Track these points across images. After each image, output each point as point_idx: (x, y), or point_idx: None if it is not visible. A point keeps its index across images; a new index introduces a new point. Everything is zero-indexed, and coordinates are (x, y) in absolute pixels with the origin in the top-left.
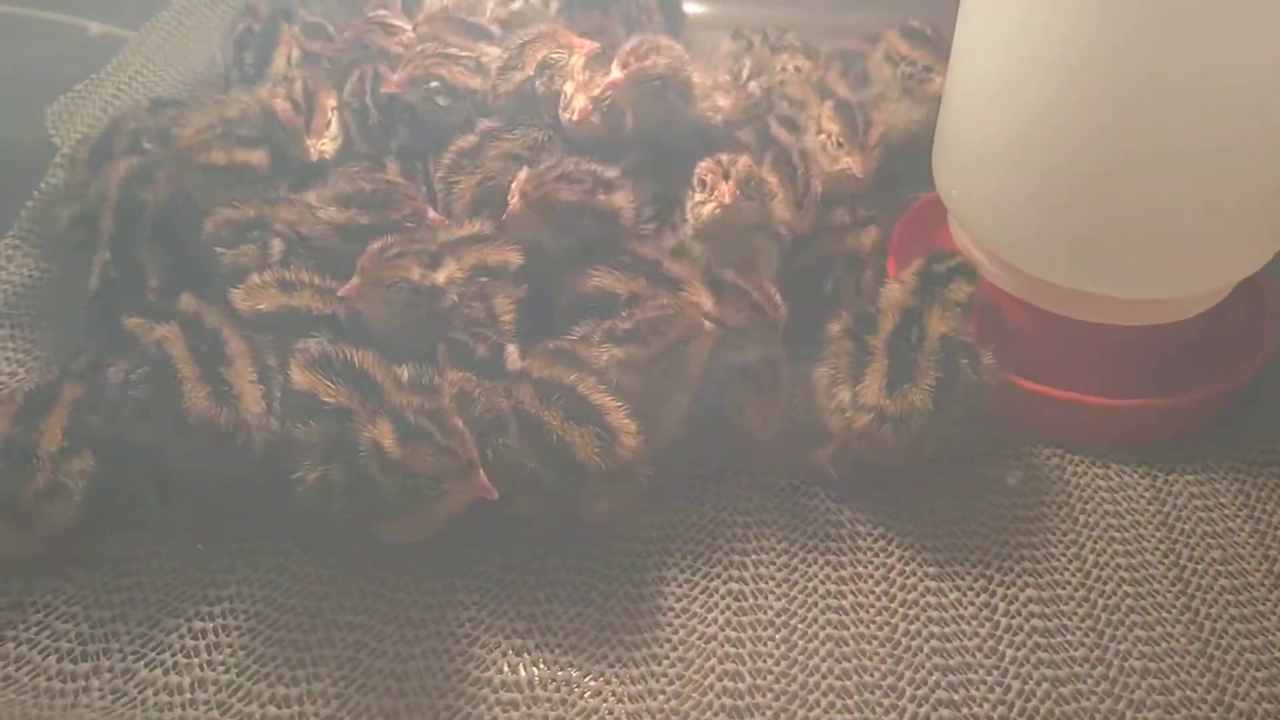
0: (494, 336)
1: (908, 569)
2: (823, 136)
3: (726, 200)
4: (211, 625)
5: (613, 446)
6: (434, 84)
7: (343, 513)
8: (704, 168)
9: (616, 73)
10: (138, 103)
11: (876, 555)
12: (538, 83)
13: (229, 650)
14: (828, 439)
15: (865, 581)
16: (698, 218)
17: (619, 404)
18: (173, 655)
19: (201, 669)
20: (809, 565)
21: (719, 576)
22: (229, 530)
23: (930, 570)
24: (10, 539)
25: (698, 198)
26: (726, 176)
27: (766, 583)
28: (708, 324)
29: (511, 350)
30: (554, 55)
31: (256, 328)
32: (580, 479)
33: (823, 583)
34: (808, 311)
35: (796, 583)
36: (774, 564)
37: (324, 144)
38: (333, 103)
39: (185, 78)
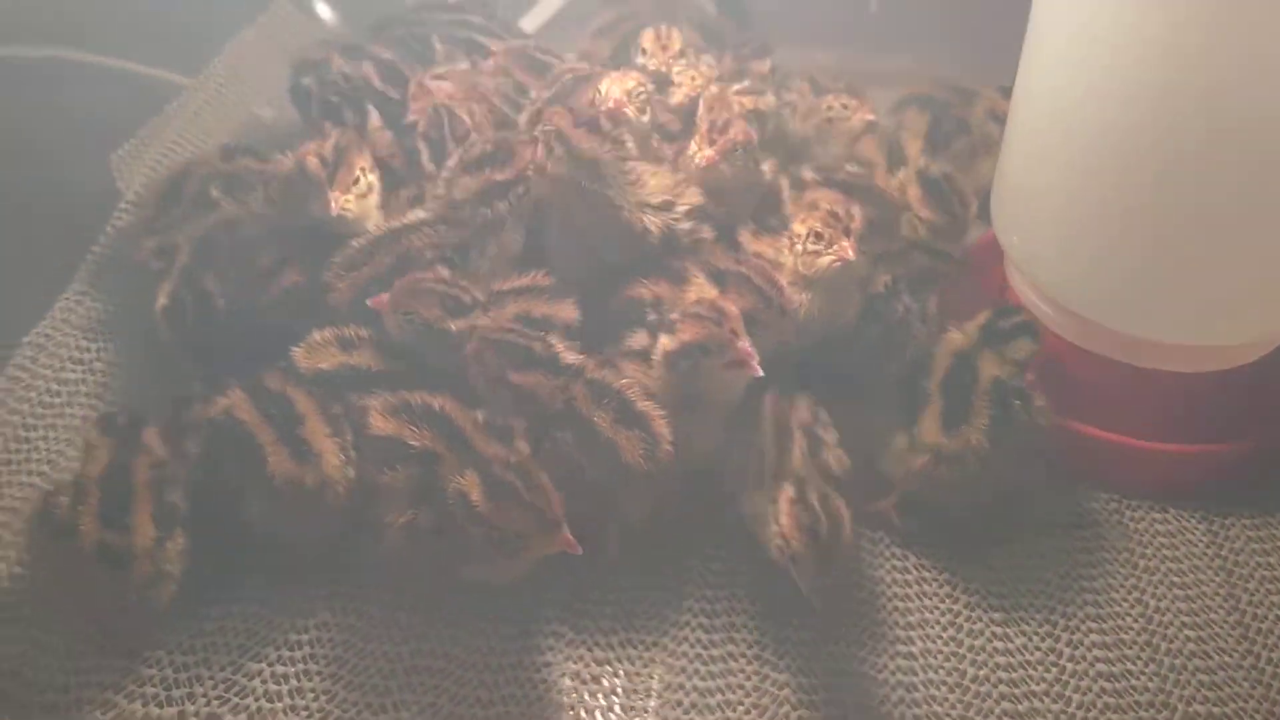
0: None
1: (974, 614)
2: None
3: (850, 256)
4: (294, 670)
5: (654, 451)
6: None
7: (428, 555)
8: (820, 218)
9: (707, 150)
10: (209, 150)
11: (943, 601)
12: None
13: (311, 695)
14: (889, 487)
15: (933, 628)
16: (809, 266)
17: (661, 412)
18: (256, 700)
19: (285, 714)
20: (877, 611)
21: (789, 624)
22: (309, 574)
23: (996, 616)
24: (117, 623)
25: (809, 246)
26: (847, 232)
27: (836, 629)
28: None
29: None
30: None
31: (316, 385)
32: (624, 479)
33: (891, 629)
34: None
35: (866, 628)
36: (843, 609)
37: (348, 200)
38: (364, 163)
39: (242, 123)
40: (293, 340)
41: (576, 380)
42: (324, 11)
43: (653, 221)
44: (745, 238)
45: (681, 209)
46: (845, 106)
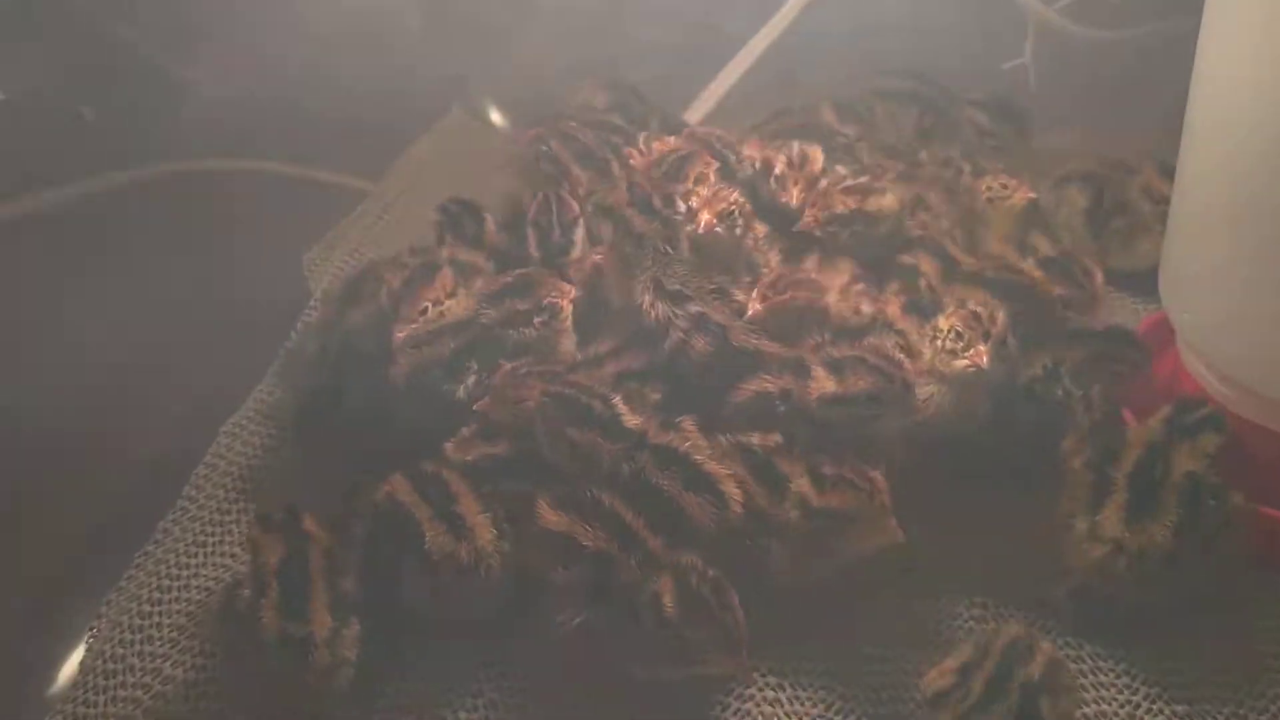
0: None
1: (1155, 706)
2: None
3: (983, 363)
4: None
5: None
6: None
7: (598, 652)
8: (963, 317)
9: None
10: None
11: (1120, 693)
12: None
13: None
14: (1063, 574)
15: (1110, 719)
16: (945, 363)
17: (729, 472)
18: None
19: None
20: None
21: None
22: (473, 654)
23: (1179, 709)
24: (298, 709)
25: (948, 344)
26: (986, 337)
27: None
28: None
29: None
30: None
31: (464, 473)
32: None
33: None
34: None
35: None
36: None
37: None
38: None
39: (421, 226)
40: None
41: (642, 449)
42: (498, 119)
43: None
44: (893, 309)
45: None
46: (1005, 186)
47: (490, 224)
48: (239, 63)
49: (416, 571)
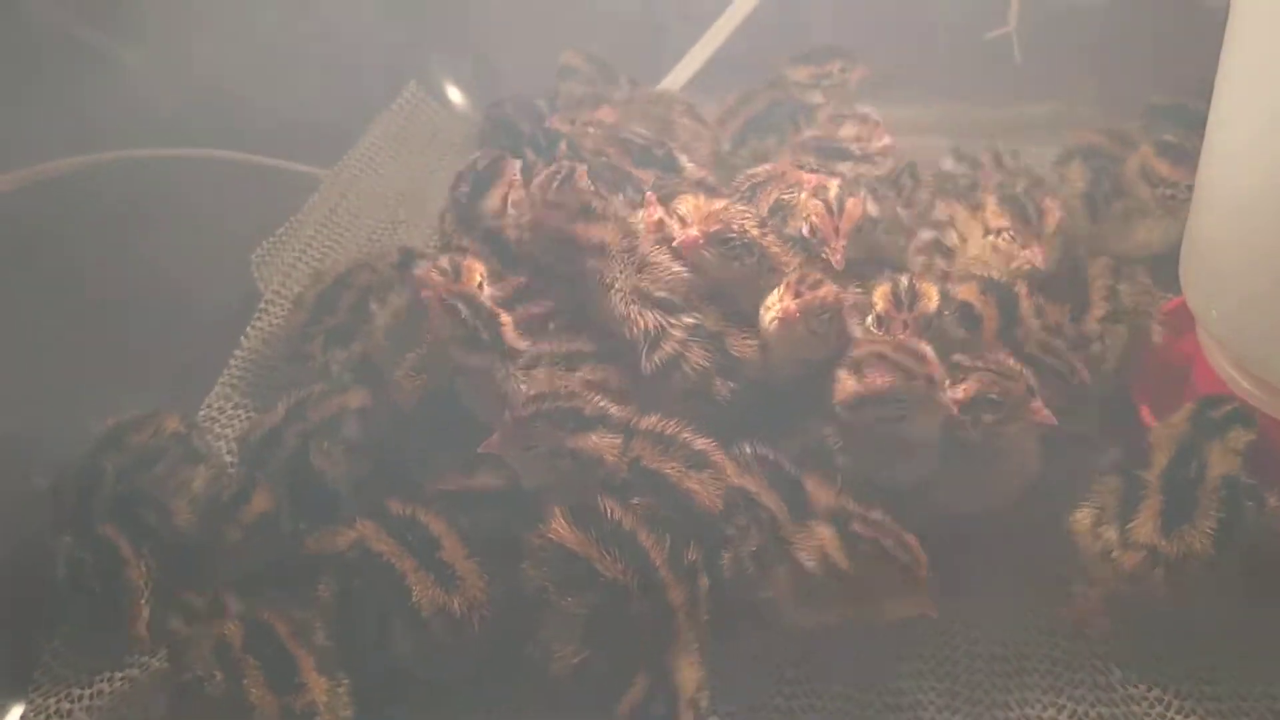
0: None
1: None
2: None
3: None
4: None
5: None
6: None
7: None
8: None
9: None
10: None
11: (1150, 710)
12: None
13: None
14: (1090, 587)
15: None
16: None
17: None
18: None
19: None
20: None
21: None
22: (461, 703)
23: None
24: None
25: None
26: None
27: None
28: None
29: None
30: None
31: (441, 506)
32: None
33: None
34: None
35: None
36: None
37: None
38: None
39: (378, 214)
40: None
41: (634, 437)
42: (455, 96)
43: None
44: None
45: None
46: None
47: None
48: (178, 46)
49: (403, 628)
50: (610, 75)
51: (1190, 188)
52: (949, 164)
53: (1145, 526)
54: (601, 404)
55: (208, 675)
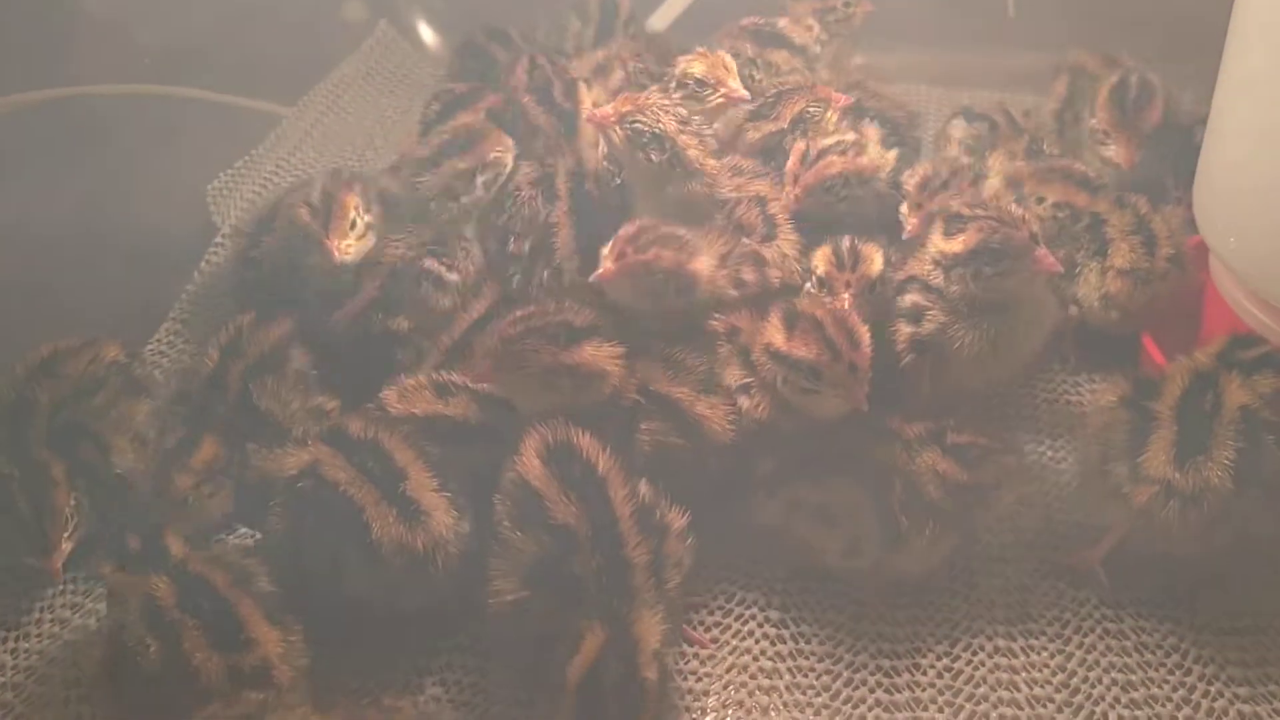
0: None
1: (1212, 689)
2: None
3: None
4: None
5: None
6: None
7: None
8: None
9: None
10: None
11: (1172, 673)
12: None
13: None
14: (1098, 534)
15: (1162, 705)
16: None
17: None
18: None
19: None
20: (1094, 686)
21: (984, 699)
22: (416, 642)
23: (1241, 691)
24: None
25: None
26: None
27: (1045, 705)
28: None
29: None
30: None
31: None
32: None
33: (1112, 706)
34: None
35: (1082, 706)
36: (1050, 684)
37: (348, 245)
38: (355, 201)
39: (345, 151)
40: None
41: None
42: (427, 35)
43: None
44: None
45: None
46: None
47: None
48: None
49: (359, 563)
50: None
51: None
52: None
53: (1157, 459)
54: (584, 313)
55: (140, 646)
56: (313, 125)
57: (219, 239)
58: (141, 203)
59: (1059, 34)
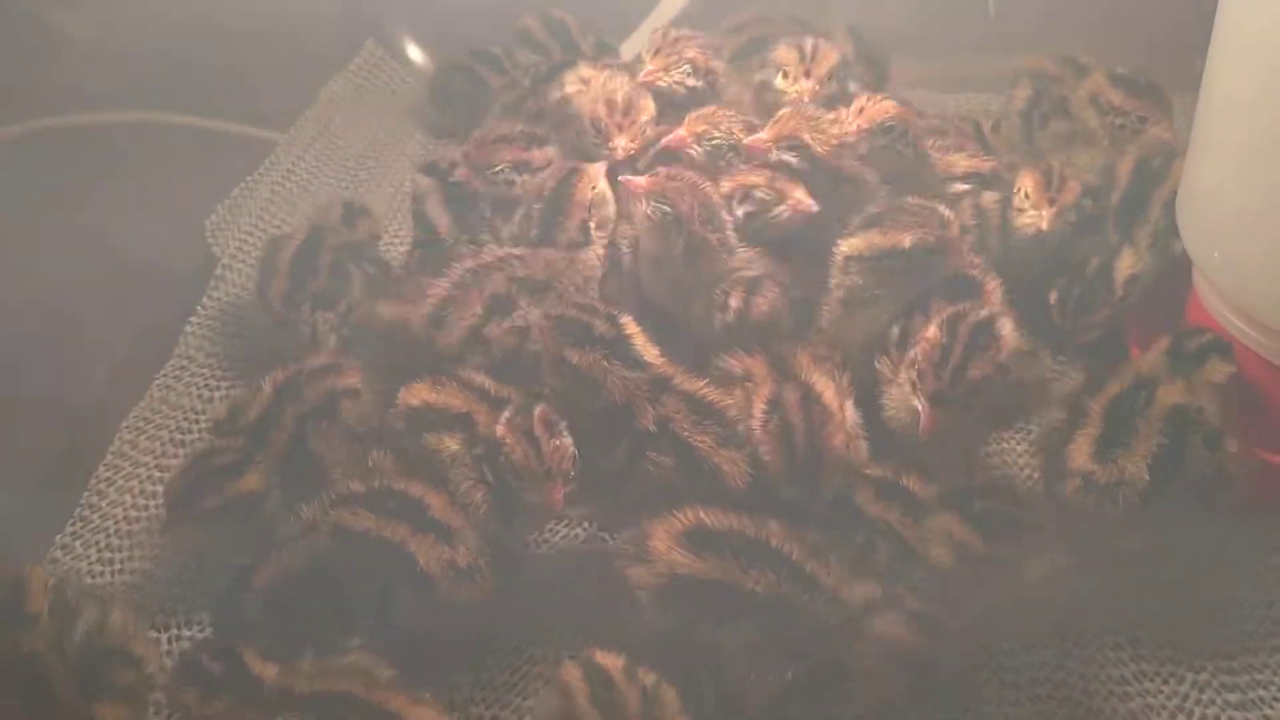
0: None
1: (1204, 696)
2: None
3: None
4: None
5: None
6: None
7: None
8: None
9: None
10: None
11: (1166, 683)
12: None
13: None
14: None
15: (1158, 715)
16: None
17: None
18: None
19: None
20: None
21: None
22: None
23: (1232, 698)
24: None
25: None
26: None
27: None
28: None
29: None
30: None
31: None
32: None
33: (1109, 718)
34: None
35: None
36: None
37: None
38: None
39: (341, 177)
40: None
41: (666, 393)
42: (415, 54)
43: None
44: None
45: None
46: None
47: None
48: (124, 8)
49: (409, 595)
50: (569, 40)
51: (1142, 119)
52: None
53: (1079, 452)
54: (627, 328)
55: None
56: (305, 150)
57: (220, 269)
58: (139, 234)
59: (1044, 35)
